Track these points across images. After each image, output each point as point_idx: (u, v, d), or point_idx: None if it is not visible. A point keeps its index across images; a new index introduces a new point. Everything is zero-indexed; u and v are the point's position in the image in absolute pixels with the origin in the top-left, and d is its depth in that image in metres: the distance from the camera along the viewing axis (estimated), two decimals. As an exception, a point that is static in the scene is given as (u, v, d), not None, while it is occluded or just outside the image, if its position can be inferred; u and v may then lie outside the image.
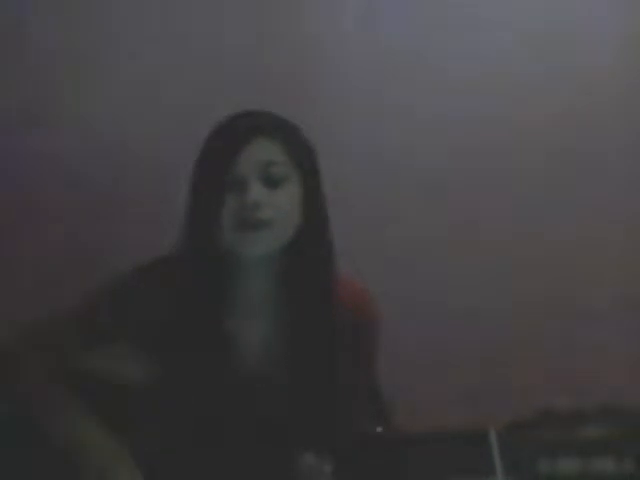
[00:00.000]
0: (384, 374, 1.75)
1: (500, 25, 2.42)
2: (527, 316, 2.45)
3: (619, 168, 2.47)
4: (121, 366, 1.63)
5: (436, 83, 2.41)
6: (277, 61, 2.35)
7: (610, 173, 2.47)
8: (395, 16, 2.39)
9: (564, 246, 2.46)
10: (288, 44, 2.34)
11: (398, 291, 2.36)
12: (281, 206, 1.58)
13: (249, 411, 1.63)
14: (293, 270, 1.64)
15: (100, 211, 2.33)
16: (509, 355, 2.45)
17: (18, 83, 2.30)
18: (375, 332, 1.75)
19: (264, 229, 1.57)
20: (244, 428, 1.62)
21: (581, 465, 1.33)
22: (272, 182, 1.58)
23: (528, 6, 2.42)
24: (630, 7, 2.44)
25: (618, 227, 2.48)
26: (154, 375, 1.64)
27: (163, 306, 1.62)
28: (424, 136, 2.41)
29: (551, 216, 2.46)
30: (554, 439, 1.34)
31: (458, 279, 2.44)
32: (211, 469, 1.61)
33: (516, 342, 2.45)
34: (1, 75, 2.30)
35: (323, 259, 1.66)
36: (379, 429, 1.53)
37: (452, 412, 2.19)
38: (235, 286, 1.65)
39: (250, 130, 1.60)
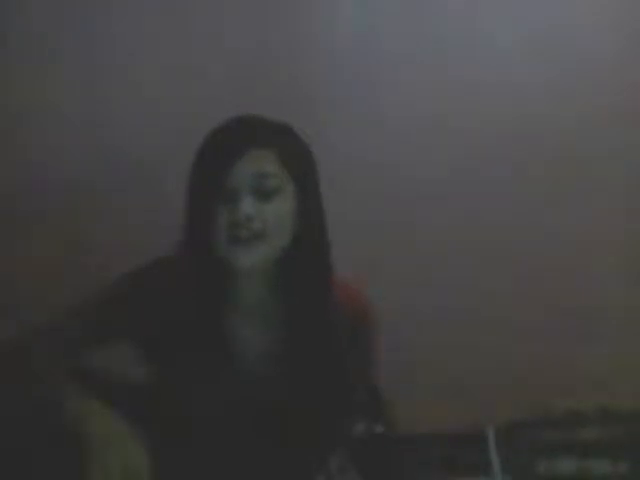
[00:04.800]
0: (384, 374, 1.75)
1: (500, 25, 2.42)
2: (527, 317, 2.45)
3: (619, 168, 2.47)
4: (122, 366, 1.64)
5: (436, 84, 2.41)
6: (277, 62, 2.35)
7: (610, 173, 2.47)
8: (394, 17, 2.39)
9: (564, 247, 2.47)
10: (287, 45, 2.34)
11: (398, 292, 2.36)
12: (273, 218, 1.59)
13: (249, 410, 1.64)
14: (291, 274, 1.65)
15: (100, 212, 2.33)
16: (509, 355, 2.45)
17: (16, 83, 2.31)
18: (373, 334, 1.76)
19: (255, 242, 1.58)
20: (244, 427, 1.63)
21: (578, 466, 1.33)
22: (264, 194, 1.59)
23: (528, 6, 2.42)
24: (630, 6, 2.44)
25: (618, 227, 2.48)
26: (154, 375, 1.65)
27: (163, 306, 1.63)
28: (424, 137, 2.41)
29: (551, 217, 2.46)
30: (552, 440, 1.35)
31: (458, 280, 2.44)
32: (210, 468, 1.62)
33: (516, 342, 2.45)
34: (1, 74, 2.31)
35: (320, 264, 1.67)
36: (379, 429, 1.53)
37: (452, 412, 2.19)
38: (234, 287, 1.66)
39: (244, 142, 1.60)
